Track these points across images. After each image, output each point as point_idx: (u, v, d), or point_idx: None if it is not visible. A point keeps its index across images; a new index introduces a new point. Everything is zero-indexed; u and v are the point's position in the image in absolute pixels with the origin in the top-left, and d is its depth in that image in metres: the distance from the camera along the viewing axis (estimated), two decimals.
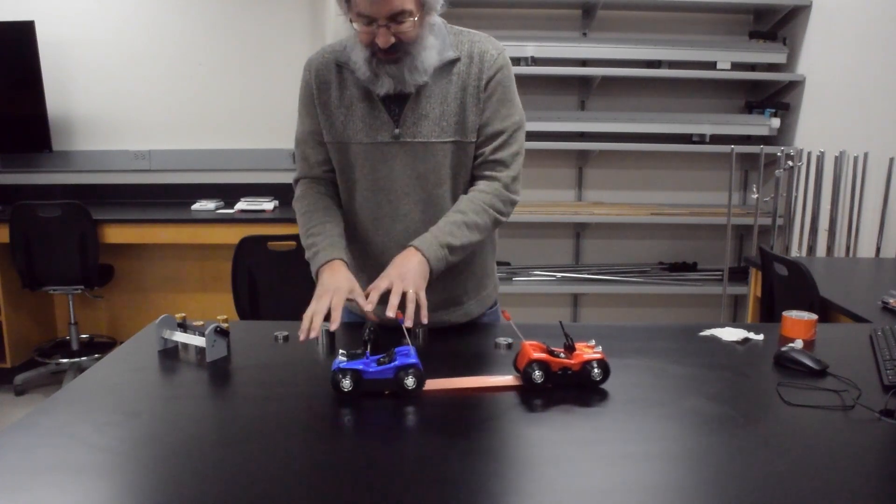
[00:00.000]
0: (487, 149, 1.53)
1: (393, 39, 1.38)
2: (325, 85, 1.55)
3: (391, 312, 1.33)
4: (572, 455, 1.01)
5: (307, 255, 1.53)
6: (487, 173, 1.54)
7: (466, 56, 1.50)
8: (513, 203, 1.55)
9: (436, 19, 1.48)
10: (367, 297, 1.38)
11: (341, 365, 1.19)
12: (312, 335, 1.32)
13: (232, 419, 1.13)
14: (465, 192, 1.56)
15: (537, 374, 1.23)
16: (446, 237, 1.46)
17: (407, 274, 1.38)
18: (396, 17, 1.36)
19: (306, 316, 1.34)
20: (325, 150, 1.60)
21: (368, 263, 1.60)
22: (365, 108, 1.51)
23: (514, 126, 1.54)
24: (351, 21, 1.41)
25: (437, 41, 1.46)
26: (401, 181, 1.52)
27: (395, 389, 1.20)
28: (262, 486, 0.92)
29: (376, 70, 1.44)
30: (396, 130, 1.49)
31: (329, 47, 1.57)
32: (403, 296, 1.35)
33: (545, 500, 0.90)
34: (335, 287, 1.39)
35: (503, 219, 1.54)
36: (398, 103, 1.50)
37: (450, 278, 1.56)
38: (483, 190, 1.53)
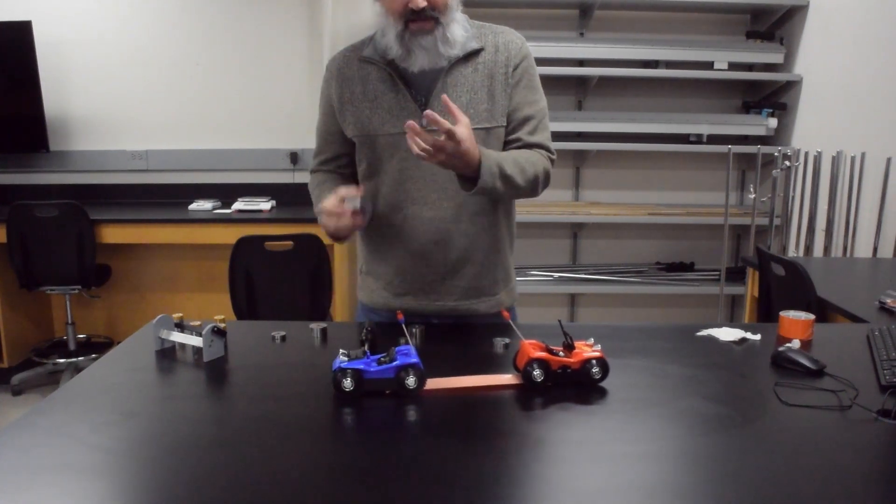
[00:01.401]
0: (522, 132, 1.57)
1: (425, 2, 1.41)
2: (348, 81, 1.57)
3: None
4: (571, 455, 1.01)
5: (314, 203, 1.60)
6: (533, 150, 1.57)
7: (492, 46, 1.55)
8: (549, 178, 1.59)
9: (458, 14, 1.52)
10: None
11: (342, 365, 1.19)
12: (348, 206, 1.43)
13: (229, 419, 1.13)
14: None
15: (537, 373, 1.23)
16: (502, 163, 1.45)
17: (469, 143, 1.36)
18: None
19: (330, 217, 1.44)
20: (337, 147, 1.65)
21: (397, 252, 1.61)
22: (391, 98, 1.53)
23: (543, 113, 1.60)
24: None
25: (462, 19, 1.51)
26: (428, 169, 1.53)
27: (396, 389, 1.20)
28: (259, 487, 0.92)
29: (409, 45, 1.47)
30: (423, 119, 1.51)
31: (350, 46, 1.62)
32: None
33: (544, 499, 0.90)
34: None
35: (539, 186, 1.56)
36: (424, 92, 1.52)
37: (482, 268, 1.61)
38: (540, 155, 1.56)
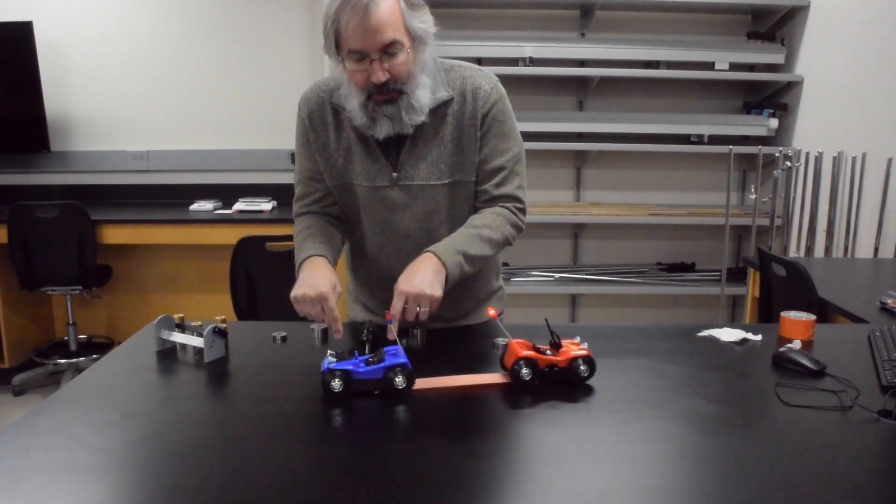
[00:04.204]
0: (490, 185, 1.52)
1: (387, 76, 1.36)
2: (321, 126, 1.54)
3: (394, 328, 1.35)
4: (569, 455, 1.01)
5: (295, 253, 1.55)
6: (498, 206, 1.53)
7: (459, 94, 1.49)
8: (521, 229, 1.55)
9: (427, 59, 1.46)
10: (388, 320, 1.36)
11: (331, 366, 1.19)
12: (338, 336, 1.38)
13: (230, 419, 1.13)
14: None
15: (525, 372, 1.23)
16: (463, 246, 1.44)
17: (422, 288, 1.35)
18: (388, 48, 1.34)
19: (308, 313, 1.38)
20: (322, 186, 1.59)
21: (377, 284, 1.61)
22: (362, 151, 1.50)
23: (514, 159, 1.53)
24: (343, 60, 1.39)
25: (429, 80, 1.45)
26: (402, 223, 1.52)
27: (385, 389, 1.21)
28: (259, 487, 0.92)
29: (373, 114, 1.42)
30: (394, 174, 1.49)
31: (323, 84, 1.55)
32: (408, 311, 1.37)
33: (539, 500, 0.90)
34: (317, 292, 1.37)
35: (511, 242, 1.54)
36: (395, 147, 1.49)
37: (450, 302, 1.49)
38: (496, 212, 1.52)
